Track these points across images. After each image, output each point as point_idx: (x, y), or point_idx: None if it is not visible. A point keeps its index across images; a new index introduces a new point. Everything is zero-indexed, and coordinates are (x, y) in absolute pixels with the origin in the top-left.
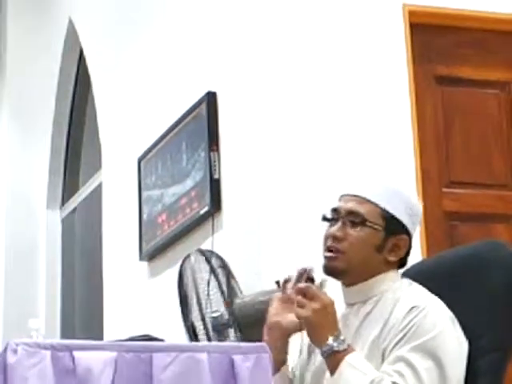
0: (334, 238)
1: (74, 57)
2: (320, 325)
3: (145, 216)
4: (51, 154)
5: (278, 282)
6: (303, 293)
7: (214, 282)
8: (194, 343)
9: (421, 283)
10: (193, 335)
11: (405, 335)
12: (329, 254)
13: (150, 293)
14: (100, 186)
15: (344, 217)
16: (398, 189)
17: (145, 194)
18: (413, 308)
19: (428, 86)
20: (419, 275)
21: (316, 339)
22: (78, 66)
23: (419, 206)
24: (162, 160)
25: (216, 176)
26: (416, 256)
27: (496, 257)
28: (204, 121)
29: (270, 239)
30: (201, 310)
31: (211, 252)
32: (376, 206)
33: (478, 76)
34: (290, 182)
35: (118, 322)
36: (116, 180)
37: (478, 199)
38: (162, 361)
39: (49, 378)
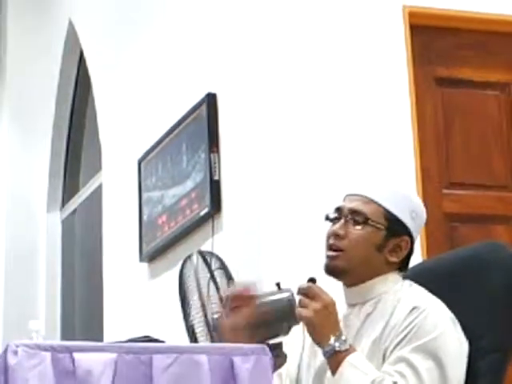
0: (336, 235)
1: (74, 58)
2: (322, 325)
3: (145, 217)
4: (51, 155)
5: (278, 284)
6: (305, 293)
7: (213, 284)
8: (193, 344)
9: (421, 284)
10: (193, 336)
11: (406, 336)
12: (330, 253)
13: (150, 294)
14: (100, 187)
15: (347, 215)
16: (404, 192)
17: (145, 195)
18: (414, 309)
19: (428, 88)
20: (419, 276)
21: (318, 339)
22: (78, 67)
23: (424, 212)
24: (162, 161)
25: (216, 177)
26: (416, 257)
27: (496, 258)
28: (204, 122)
29: (270, 240)
30: (202, 311)
31: (211, 253)
32: (380, 206)
33: (477, 77)
34: (290, 183)
35: (118, 324)
36: (116, 181)
37: (478, 200)
38: (162, 362)
39: (49, 380)
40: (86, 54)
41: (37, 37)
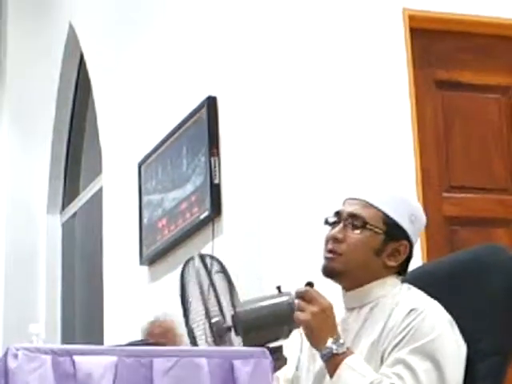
0: (334, 239)
1: (75, 61)
2: (319, 328)
3: (145, 220)
4: (51, 158)
5: (278, 287)
6: (302, 296)
7: (213, 287)
8: (194, 348)
9: (421, 288)
10: (193, 340)
11: (403, 338)
12: (328, 255)
13: (151, 297)
14: (100, 190)
15: (345, 219)
16: (403, 196)
17: (145, 198)
18: (411, 311)
19: (428, 91)
20: (419, 280)
21: (315, 342)
22: (79, 70)
23: (423, 217)
24: (162, 165)
25: (216, 181)
26: (416, 261)
27: (496, 261)
28: (204, 125)
29: (270, 244)
30: (202, 314)
31: (211, 257)
32: (379, 210)
33: (477, 80)
34: (290, 186)
35: (118, 327)
36: (116, 185)
37: (478, 204)
38: (162, 365)
39: (49, 383)
40: (86, 57)
41: (37, 40)
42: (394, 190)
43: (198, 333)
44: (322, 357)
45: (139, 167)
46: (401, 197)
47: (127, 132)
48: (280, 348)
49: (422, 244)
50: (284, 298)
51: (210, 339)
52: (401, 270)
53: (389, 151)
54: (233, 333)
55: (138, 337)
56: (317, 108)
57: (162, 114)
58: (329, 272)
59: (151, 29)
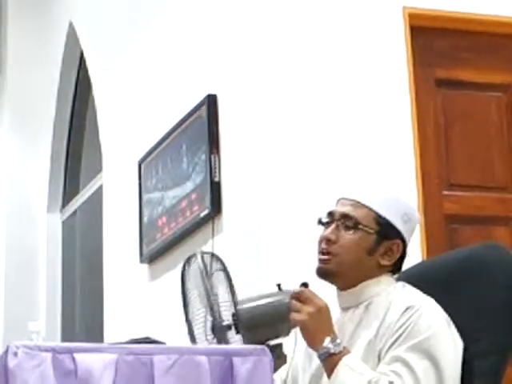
0: (327, 240)
1: (75, 60)
2: (316, 328)
3: (145, 219)
4: (52, 156)
5: (279, 285)
6: (298, 297)
7: (213, 285)
8: (194, 346)
9: (419, 285)
10: (193, 337)
11: (400, 335)
12: (321, 257)
13: (151, 295)
14: (100, 188)
15: (338, 220)
16: (396, 196)
17: (145, 196)
18: (408, 308)
19: (428, 89)
20: (417, 277)
21: (312, 343)
22: (79, 69)
23: (416, 214)
24: (162, 163)
25: (216, 179)
26: (416, 259)
27: (495, 259)
28: (204, 123)
29: (270, 242)
30: (202, 312)
31: (212, 254)
32: (371, 210)
33: (478, 79)
34: (290, 184)
35: (118, 325)
36: (116, 183)
37: (478, 202)
38: (162, 363)
39: (50, 381)
40: (86, 56)
41: (37, 39)
42: (387, 190)
43: (198, 330)
44: (320, 357)
45: (139, 165)
46: (393, 196)
47: (127, 130)
48: (280, 346)
49: (421, 242)
50: (284, 296)
51: (210, 337)
52: (395, 269)
53: (389, 149)
54: (233, 331)
55: (139, 334)
56: (317, 106)
57: (161, 112)
58: (323, 273)
59: (151, 27)
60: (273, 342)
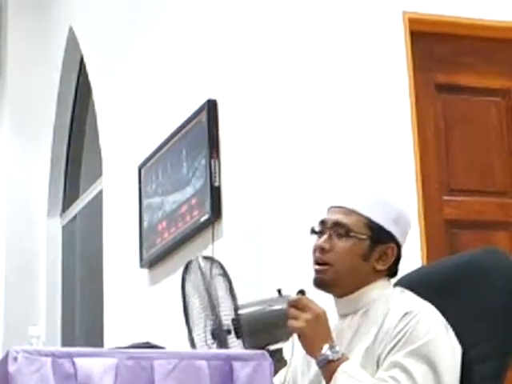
0: (321, 249)
1: (75, 65)
2: (314, 335)
3: (145, 223)
4: (52, 161)
5: (279, 290)
6: (295, 305)
7: (213, 290)
8: (194, 350)
9: (419, 290)
10: (193, 342)
11: (399, 341)
12: (317, 267)
13: (151, 300)
14: (100, 193)
15: (330, 228)
16: (385, 199)
17: (145, 201)
18: (406, 314)
19: (428, 94)
20: (417, 282)
21: (310, 350)
22: (79, 74)
23: (408, 217)
24: (162, 167)
25: (216, 184)
26: (416, 264)
27: (495, 264)
28: (204, 128)
29: (270, 247)
30: (202, 317)
31: (212, 259)
32: (361, 216)
33: (478, 84)
34: (290, 189)
35: (118, 330)
36: (116, 187)
37: (478, 207)
38: (162, 368)
39: None
40: (86, 61)
41: (37, 43)
42: (376, 194)
43: (198, 335)
44: (318, 364)
45: (139, 170)
46: (383, 199)
47: (127, 135)
48: (280, 350)
49: (421, 247)
50: (284, 301)
51: (210, 342)
52: (390, 273)
53: (389, 154)
54: (233, 335)
55: (139, 339)
56: (317, 112)
57: (162, 117)
58: (320, 284)
59: (151, 32)
60: (273, 347)
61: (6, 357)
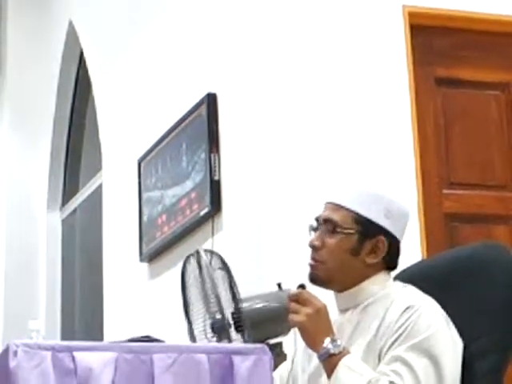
0: (312, 247)
1: (75, 59)
2: (315, 329)
3: (145, 217)
4: (51, 155)
5: (279, 285)
6: (296, 299)
7: (214, 283)
8: (193, 344)
9: (419, 284)
10: (193, 336)
11: (400, 335)
12: (310, 263)
13: (150, 294)
14: (100, 187)
15: (321, 225)
16: (375, 192)
17: (145, 195)
18: (407, 308)
19: (428, 88)
20: (417, 276)
21: (312, 344)
22: (79, 67)
23: (403, 208)
24: (162, 161)
25: (216, 177)
26: (416, 257)
27: (495, 258)
28: (204, 122)
29: (270, 240)
30: (202, 310)
31: (213, 252)
32: (349, 211)
33: (478, 77)
34: (290, 183)
35: (118, 323)
36: (116, 181)
37: (478, 200)
38: (162, 362)
39: (50, 379)
40: (86, 55)
41: (37, 37)
42: (365, 188)
43: (198, 329)
44: (319, 357)
45: (139, 164)
46: (372, 193)
47: (127, 129)
48: (280, 344)
49: (421, 241)
50: (284, 295)
51: (209, 335)
52: (390, 266)
53: (389, 148)
54: (233, 329)
55: (138, 333)
56: (317, 105)
57: (161, 111)
58: (313, 280)
59: (151, 26)
60: (273, 341)
61: (6, 351)
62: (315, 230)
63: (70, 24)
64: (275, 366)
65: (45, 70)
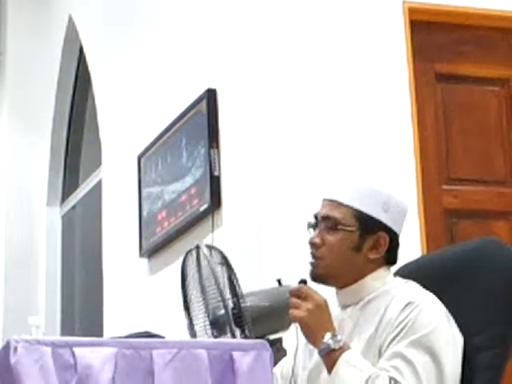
0: (313, 244)
1: (74, 54)
2: (315, 324)
3: (145, 213)
4: (51, 150)
5: (279, 280)
6: (296, 294)
7: (215, 279)
8: (193, 340)
9: (418, 280)
10: (193, 331)
11: (401, 331)
12: (311, 261)
13: (150, 289)
14: (100, 182)
15: (320, 222)
16: (372, 187)
17: (145, 190)
18: (408, 304)
19: (428, 84)
20: (417, 271)
21: (312, 339)
22: (78, 63)
23: (399, 203)
24: (161, 157)
25: (216, 173)
26: (416, 253)
27: (495, 254)
28: (204, 118)
29: (270, 236)
30: (202, 306)
31: (213, 247)
32: (348, 207)
33: (477, 73)
34: (289, 178)
35: (117, 319)
36: (116, 177)
37: (477, 196)
38: (162, 357)
39: (50, 375)
40: (85, 50)
41: (37, 33)
42: (361, 183)
43: (198, 324)
44: (320, 353)
45: (139, 159)
46: (370, 188)
47: (127, 124)
48: (280, 340)
49: (421, 236)
50: (284, 291)
51: (210, 331)
52: (390, 260)
53: (389, 144)
54: (233, 324)
55: (138, 329)
56: (316, 100)
57: (161, 107)
58: (314, 278)
59: (151, 22)
60: (272, 337)
61: (6, 347)
62: (314, 227)
63: (70, 19)
64: (275, 362)
65: (45, 65)
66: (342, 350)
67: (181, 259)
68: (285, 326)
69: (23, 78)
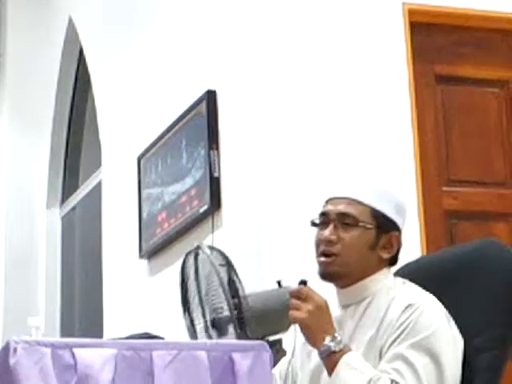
0: (328, 241)
1: (74, 55)
2: (316, 326)
3: (144, 214)
4: (51, 151)
5: (279, 282)
6: (297, 295)
7: (215, 280)
8: (193, 341)
9: (418, 281)
10: (193, 333)
11: (401, 333)
12: (324, 259)
13: (150, 291)
14: (100, 184)
15: (335, 219)
16: (385, 187)
17: (144, 192)
18: (408, 306)
19: (428, 85)
20: (417, 272)
21: (312, 340)
22: (78, 64)
23: (406, 205)
24: (161, 158)
25: (216, 174)
26: (416, 254)
27: (494, 255)
28: (204, 119)
29: (270, 237)
30: (202, 307)
31: (213, 248)
32: (366, 205)
33: (477, 75)
34: (289, 179)
35: (117, 320)
36: (116, 178)
37: (477, 197)
38: (162, 359)
39: (49, 376)
40: (85, 51)
41: (37, 33)
42: (377, 183)
43: (198, 326)
44: (320, 355)
45: (139, 161)
46: (384, 188)
47: (127, 125)
48: (279, 341)
49: (421, 237)
50: (284, 292)
51: (209, 332)
52: (392, 262)
53: (389, 146)
54: (232, 326)
55: (138, 330)
56: (316, 102)
57: (161, 108)
58: (328, 275)
59: (151, 23)
60: (272, 338)
61: (5, 348)
62: (321, 225)
63: (70, 20)
64: (275, 363)
65: (45, 66)
66: (342, 352)
67: (181, 260)
68: (285, 328)
69: (23, 78)
